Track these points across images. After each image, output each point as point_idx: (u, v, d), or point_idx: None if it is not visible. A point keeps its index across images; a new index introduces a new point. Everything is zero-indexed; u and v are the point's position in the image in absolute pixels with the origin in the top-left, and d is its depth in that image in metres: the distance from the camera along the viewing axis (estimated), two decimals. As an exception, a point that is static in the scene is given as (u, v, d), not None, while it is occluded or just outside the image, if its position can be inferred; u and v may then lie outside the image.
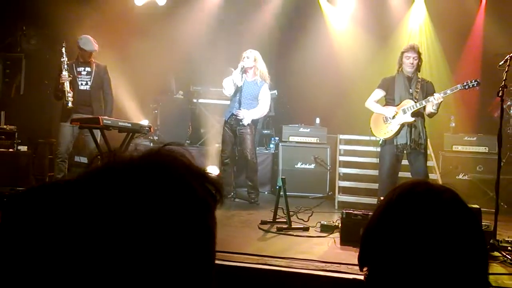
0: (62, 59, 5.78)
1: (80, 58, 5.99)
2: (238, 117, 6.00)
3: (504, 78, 3.97)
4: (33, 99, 7.46)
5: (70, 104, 5.70)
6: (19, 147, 6.70)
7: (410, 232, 1.00)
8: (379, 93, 5.45)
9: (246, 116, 6.01)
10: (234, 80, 5.97)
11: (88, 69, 5.99)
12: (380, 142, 5.41)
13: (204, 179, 0.74)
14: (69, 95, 5.72)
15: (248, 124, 6.08)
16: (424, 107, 5.19)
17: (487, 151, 6.92)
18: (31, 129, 7.21)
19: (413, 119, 5.17)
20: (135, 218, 0.65)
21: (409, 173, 5.36)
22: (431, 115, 5.20)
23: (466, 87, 4.99)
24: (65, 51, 5.82)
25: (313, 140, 7.48)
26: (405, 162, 5.41)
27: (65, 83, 5.73)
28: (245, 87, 6.04)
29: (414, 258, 0.98)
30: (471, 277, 0.99)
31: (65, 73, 5.74)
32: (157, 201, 0.66)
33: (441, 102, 5.04)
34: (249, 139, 6.11)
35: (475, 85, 4.99)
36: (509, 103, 7.24)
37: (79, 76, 5.94)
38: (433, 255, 0.97)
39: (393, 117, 5.24)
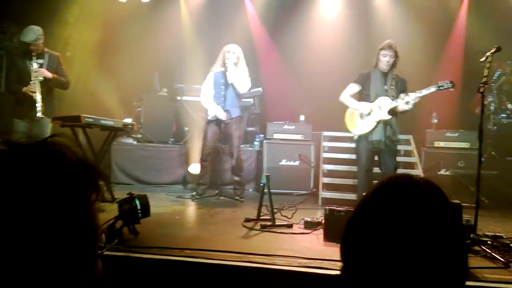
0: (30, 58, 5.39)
1: (30, 52, 5.52)
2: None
3: (485, 75, 4.02)
4: (15, 97, 7.32)
5: (39, 115, 5.43)
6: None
7: (387, 224, 0.99)
8: (355, 88, 5.47)
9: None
10: (218, 115, 6.04)
11: (40, 60, 5.58)
12: (356, 138, 5.44)
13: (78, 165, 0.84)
14: (38, 105, 5.44)
15: (236, 121, 6.12)
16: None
17: (468, 147, 7.02)
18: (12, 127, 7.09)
19: (389, 116, 5.23)
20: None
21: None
22: (403, 112, 5.27)
23: (441, 88, 5.01)
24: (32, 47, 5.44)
25: (298, 137, 7.50)
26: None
27: (36, 93, 5.44)
28: (230, 86, 6.06)
29: (391, 250, 0.97)
30: (450, 268, 0.98)
31: (32, 83, 5.43)
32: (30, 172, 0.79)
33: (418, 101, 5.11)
34: (237, 136, 6.13)
35: (450, 87, 4.98)
36: (490, 99, 7.34)
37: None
38: (410, 247, 0.96)
39: (369, 113, 5.29)
